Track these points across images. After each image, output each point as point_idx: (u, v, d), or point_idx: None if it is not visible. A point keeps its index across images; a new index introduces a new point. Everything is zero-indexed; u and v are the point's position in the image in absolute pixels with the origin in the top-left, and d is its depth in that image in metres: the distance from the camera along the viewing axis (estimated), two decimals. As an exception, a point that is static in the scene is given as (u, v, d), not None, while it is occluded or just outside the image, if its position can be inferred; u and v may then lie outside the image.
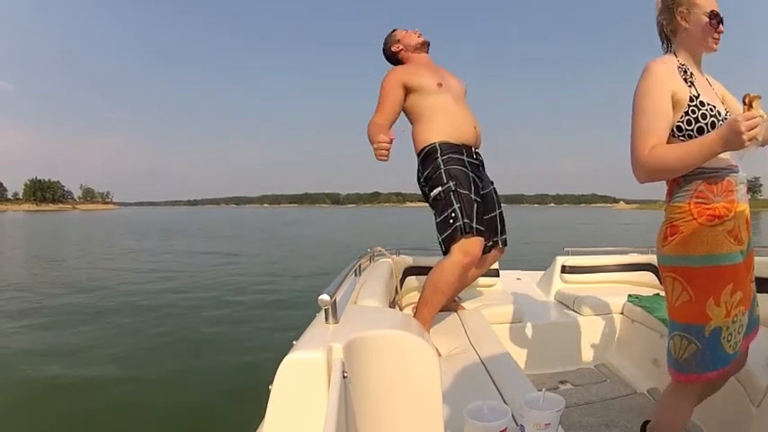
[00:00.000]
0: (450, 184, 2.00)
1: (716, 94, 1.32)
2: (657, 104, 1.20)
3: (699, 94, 1.23)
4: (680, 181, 1.24)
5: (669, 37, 1.34)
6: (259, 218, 59.23)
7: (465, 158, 2.10)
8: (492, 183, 2.30)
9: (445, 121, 2.13)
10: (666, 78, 1.22)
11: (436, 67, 2.30)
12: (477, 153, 2.21)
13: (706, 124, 1.20)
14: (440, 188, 2.01)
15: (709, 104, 1.22)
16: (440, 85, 2.17)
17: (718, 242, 1.19)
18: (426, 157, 2.09)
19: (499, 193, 2.32)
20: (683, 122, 1.22)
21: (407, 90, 2.15)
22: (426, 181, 2.09)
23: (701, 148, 1.14)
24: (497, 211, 2.27)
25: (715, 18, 1.25)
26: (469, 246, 1.96)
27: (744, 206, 1.24)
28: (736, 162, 1.25)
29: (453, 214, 1.96)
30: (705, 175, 1.21)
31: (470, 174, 2.07)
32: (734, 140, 1.07)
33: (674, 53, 1.32)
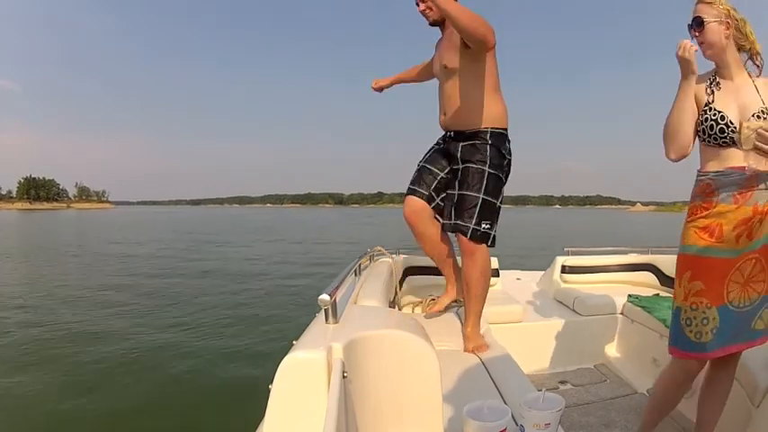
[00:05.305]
0: (500, 199, 1.94)
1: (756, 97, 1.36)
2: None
3: (713, 101, 1.38)
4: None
5: None
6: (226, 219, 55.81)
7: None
8: None
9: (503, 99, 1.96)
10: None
11: None
12: None
13: (710, 125, 1.36)
14: (497, 201, 1.93)
15: (718, 111, 1.36)
16: None
17: (688, 235, 1.40)
18: (497, 136, 1.90)
19: (504, 194, 2.27)
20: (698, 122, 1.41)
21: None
22: (496, 168, 1.90)
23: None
24: None
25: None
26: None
27: (729, 207, 1.33)
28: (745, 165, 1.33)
29: (489, 225, 1.92)
30: (697, 180, 1.41)
31: None
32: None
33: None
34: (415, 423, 0.99)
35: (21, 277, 10.06)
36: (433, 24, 2.01)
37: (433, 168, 2.06)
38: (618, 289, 2.98)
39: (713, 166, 1.36)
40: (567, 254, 3.37)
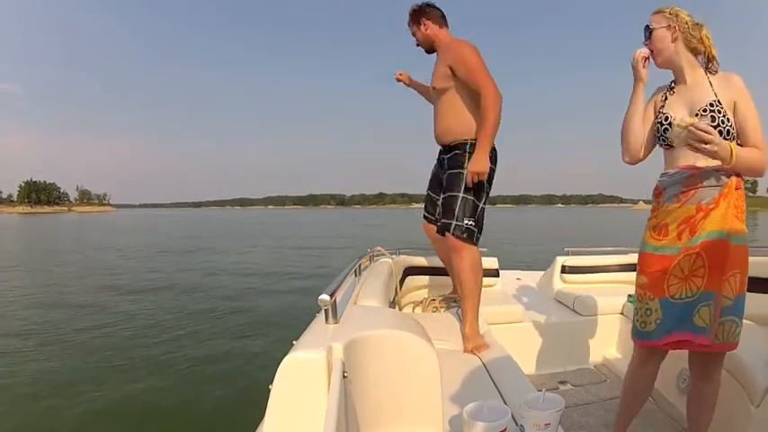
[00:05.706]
0: (482, 201, 2.03)
1: (711, 96, 1.35)
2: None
3: (663, 106, 1.45)
4: None
5: None
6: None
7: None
8: None
9: None
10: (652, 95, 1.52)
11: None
12: None
13: (657, 129, 1.43)
14: (478, 201, 2.01)
15: (663, 114, 1.42)
16: None
17: (644, 234, 1.49)
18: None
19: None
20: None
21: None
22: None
23: None
24: None
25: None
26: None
27: (672, 207, 1.38)
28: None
29: (473, 222, 2.00)
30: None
31: None
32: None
33: None
34: (415, 423, 1.00)
35: (7, 287, 9.25)
36: (428, 52, 2.20)
37: (435, 197, 2.27)
38: (618, 289, 2.97)
39: (666, 168, 1.42)
40: (567, 254, 3.36)
